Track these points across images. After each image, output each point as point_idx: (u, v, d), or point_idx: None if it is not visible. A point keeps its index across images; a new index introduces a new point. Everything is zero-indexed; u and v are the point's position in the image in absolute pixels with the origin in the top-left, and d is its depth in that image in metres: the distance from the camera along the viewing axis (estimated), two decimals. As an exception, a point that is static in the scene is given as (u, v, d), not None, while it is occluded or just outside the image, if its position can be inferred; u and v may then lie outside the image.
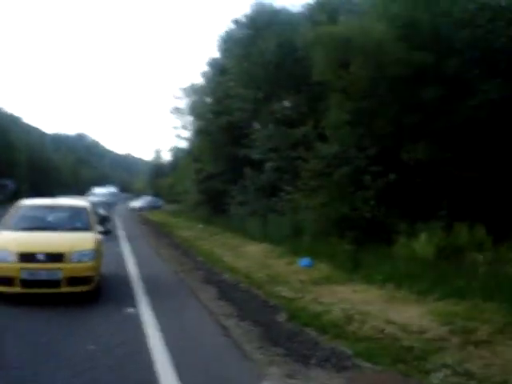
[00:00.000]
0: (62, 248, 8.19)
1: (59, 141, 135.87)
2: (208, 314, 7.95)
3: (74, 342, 6.14)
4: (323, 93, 16.28)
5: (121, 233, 23.04)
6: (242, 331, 6.87)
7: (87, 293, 8.19)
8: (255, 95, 20.90)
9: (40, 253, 7.90)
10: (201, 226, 26.93)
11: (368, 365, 5.52)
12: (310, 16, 21.24)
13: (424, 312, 7.53)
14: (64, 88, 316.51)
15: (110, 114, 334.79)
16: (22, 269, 7.70)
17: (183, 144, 41.21)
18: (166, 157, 70.11)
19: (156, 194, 70.52)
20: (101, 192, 47.22)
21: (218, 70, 28.28)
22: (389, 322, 7.14)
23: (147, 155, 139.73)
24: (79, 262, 8.12)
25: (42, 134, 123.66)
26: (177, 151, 45.95)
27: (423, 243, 10.50)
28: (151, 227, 29.93)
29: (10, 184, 61.68)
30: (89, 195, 37.07)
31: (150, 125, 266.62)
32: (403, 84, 13.74)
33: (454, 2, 13.98)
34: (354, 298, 8.82)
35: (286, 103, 19.26)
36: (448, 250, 10.41)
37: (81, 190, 57.10)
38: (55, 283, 7.89)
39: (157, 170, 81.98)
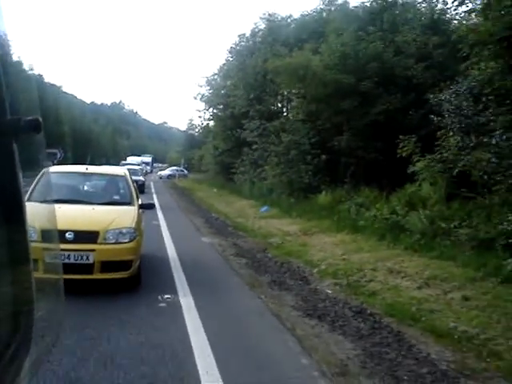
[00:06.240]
0: (94, 225, 7.13)
1: (96, 110, 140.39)
2: (194, 226, 15.95)
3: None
4: (290, 98, 23.96)
5: (154, 196, 31.03)
6: (206, 231, 14.87)
7: (124, 280, 7.13)
8: (248, 96, 28.79)
9: (68, 230, 6.67)
10: (215, 190, 34.81)
11: (250, 238, 13.45)
12: (297, 34, 28.75)
13: (298, 227, 15.31)
14: (99, 57, 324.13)
15: (146, 83, 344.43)
16: (44, 249, 5.89)
17: (206, 123, 48.91)
18: (197, 130, 75.16)
19: (188, 165, 77.40)
20: (135, 161, 52.07)
21: (227, 71, 36.24)
22: (276, 228, 15.02)
23: (182, 125, 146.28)
24: (116, 242, 7.08)
25: (81, 104, 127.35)
26: (203, 128, 53.66)
27: (323, 196, 18.32)
28: (177, 190, 38.17)
29: (59, 152, 69.43)
30: (122, 165, 36.74)
31: (185, 94, 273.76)
32: (333, 96, 21.34)
33: (371, 41, 21.33)
34: (274, 223, 16.63)
35: (268, 103, 27.13)
36: (337, 199, 18.11)
37: (119, 160, 61.60)
38: (86, 268, 6.78)
39: (190, 141, 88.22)
